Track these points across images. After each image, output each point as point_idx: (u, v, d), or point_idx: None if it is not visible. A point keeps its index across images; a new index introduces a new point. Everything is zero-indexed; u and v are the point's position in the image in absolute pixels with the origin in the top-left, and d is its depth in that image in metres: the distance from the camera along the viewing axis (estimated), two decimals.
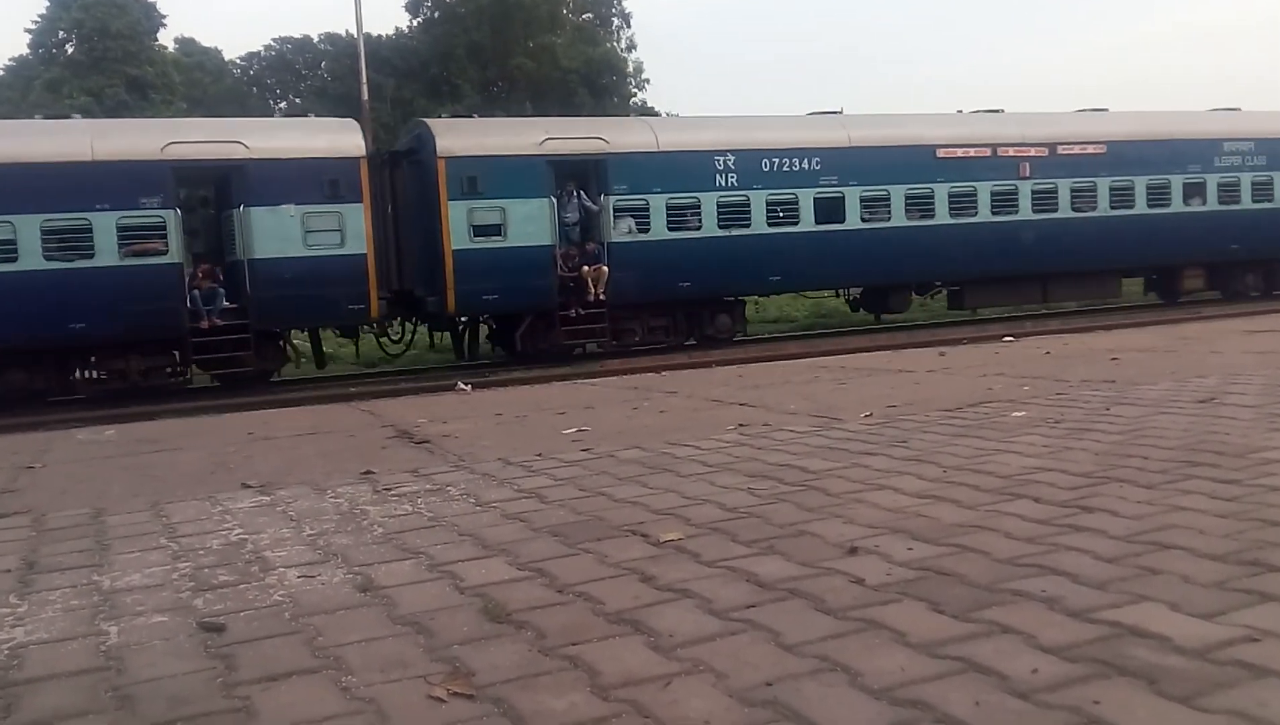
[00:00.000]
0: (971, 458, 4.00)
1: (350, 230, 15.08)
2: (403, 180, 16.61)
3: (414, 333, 17.45)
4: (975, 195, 18.52)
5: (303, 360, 16.82)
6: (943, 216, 18.35)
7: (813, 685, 1.90)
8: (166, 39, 44.65)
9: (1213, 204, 20.23)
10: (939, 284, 19.90)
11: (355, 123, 17.06)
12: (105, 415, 10.63)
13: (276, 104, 48.84)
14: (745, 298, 18.42)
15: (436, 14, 47.46)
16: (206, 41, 50.23)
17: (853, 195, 17.68)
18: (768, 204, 17.21)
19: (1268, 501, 3.02)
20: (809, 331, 21.00)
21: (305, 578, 2.84)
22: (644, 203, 16.51)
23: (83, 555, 3.28)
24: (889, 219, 17.99)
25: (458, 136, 16.27)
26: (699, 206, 16.86)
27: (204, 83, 46.42)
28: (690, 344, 17.31)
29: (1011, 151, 18.81)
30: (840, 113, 19.05)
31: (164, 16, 42.34)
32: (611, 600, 2.47)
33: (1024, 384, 6.36)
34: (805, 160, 17.46)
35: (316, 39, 49.54)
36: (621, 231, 16.46)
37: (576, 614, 2.39)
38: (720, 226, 16.90)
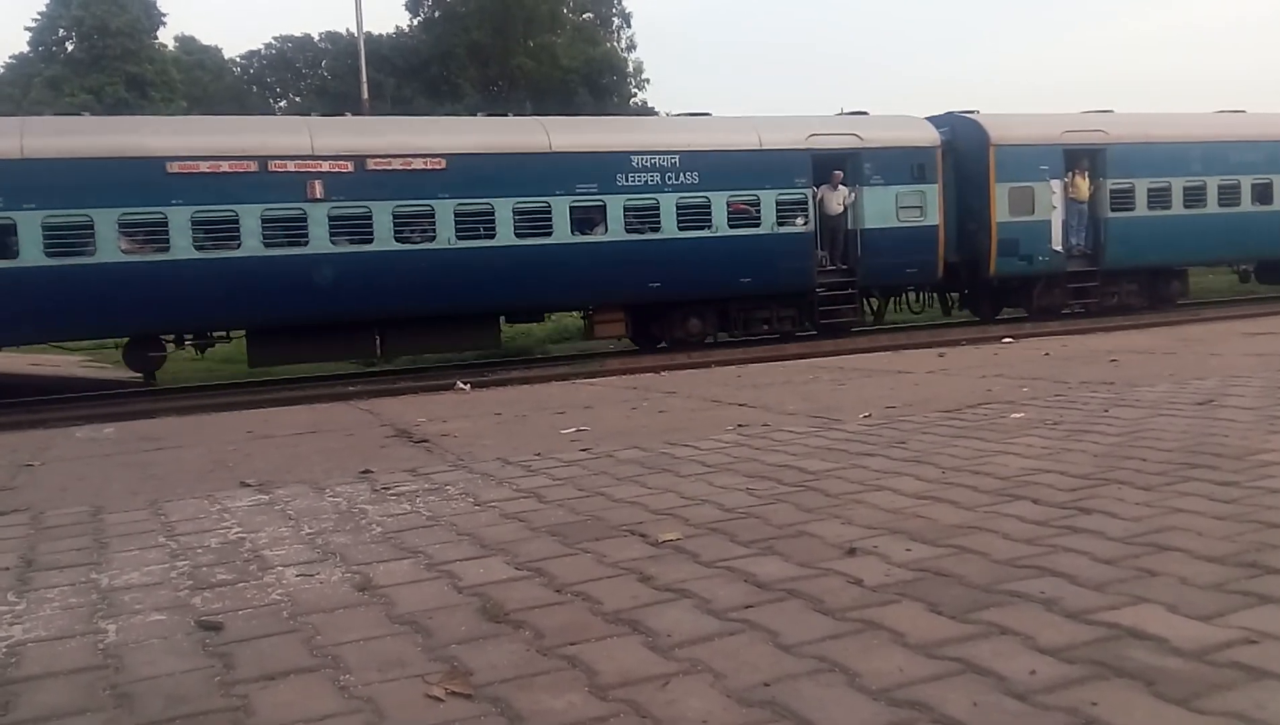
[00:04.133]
0: (970, 459, 4.00)
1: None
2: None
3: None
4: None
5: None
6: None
7: (811, 686, 1.90)
8: (166, 37, 44.78)
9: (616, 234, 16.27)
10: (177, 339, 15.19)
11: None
12: (104, 413, 10.64)
13: (276, 102, 48.85)
14: None
15: (437, 13, 47.51)
16: (206, 40, 50.48)
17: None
18: None
19: (1266, 504, 3.02)
20: None
21: (303, 577, 2.84)
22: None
23: (81, 553, 3.28)
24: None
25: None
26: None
27: (204, 81, 46.46)
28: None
29: (292, 167, 14.51)
30: None
31: (164, 15, 42.48)
32: (610, 600, 2.47)
33: (1023, 385, 6.37)
34: None
35: (317, 38, 49.64)
36: None
37: (575, 614, 2.39)
38: None
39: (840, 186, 17.39)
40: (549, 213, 15.66)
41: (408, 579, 2.76)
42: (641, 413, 6.26)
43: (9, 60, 42.69)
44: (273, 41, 50.39)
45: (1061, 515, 3.04)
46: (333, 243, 14.60)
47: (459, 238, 15.23)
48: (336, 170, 14.65)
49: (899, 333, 18.47)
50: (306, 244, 14.47)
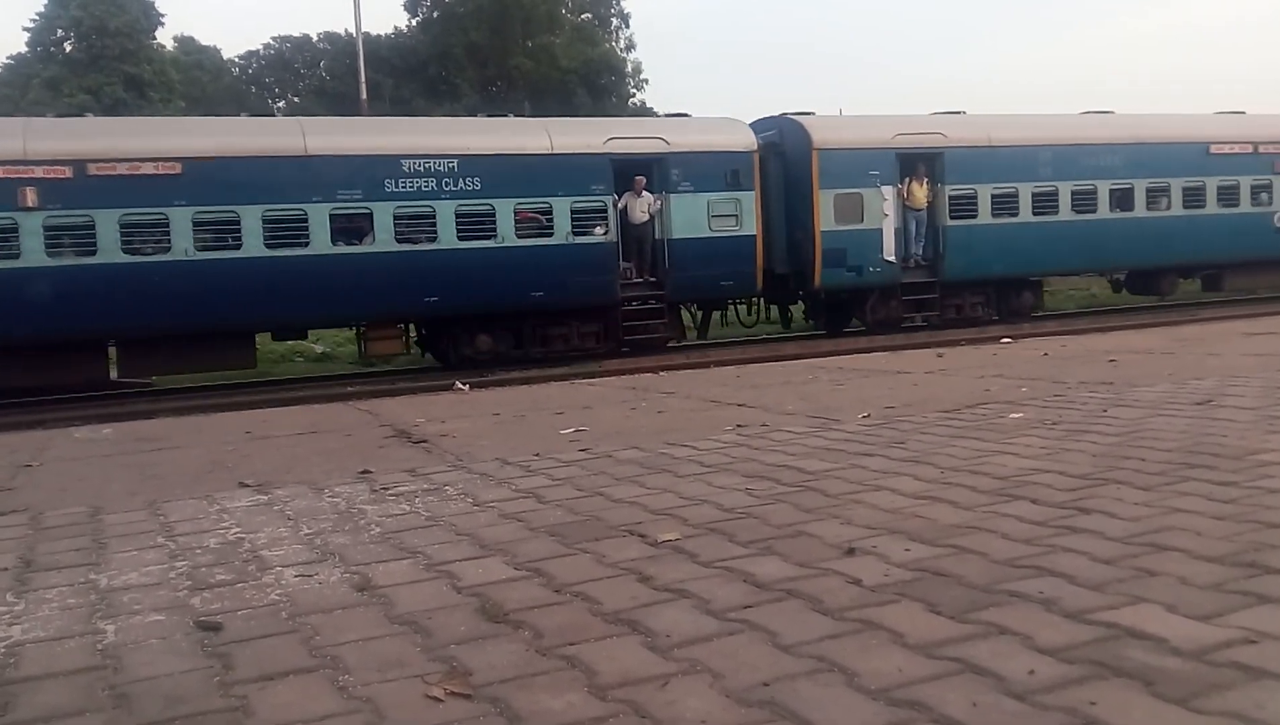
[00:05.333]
0: (969, 459, 4.00)
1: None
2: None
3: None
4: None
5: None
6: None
7: (810, 686, 1.90)
8: (165, 37, 44.72)
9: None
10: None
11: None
12: (103, 413, 10.63)
13: (275, 103, 48.84)
14: None
15: (435, 13, 47.50)
16: (205, 40, 50.43)
17: None
18: None
19: (1265, 503, 3.03)
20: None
21: (302, 577, 2.84)
22: None
23: (80, 554, 3.28)
24: None
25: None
26: None
27: (202, 81, 46.43)
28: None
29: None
30: None
31: (162, 15, 42.39)
32: (609, 600, 2.47)
33: (1022, 385, 6.37)
34: None
35: (315, 38, 49.61)
36: None
37: (574, 614, 2.39)
38: None
39: (644, 193, 16.19)
40: (305, 221, 14.41)
41: (407, 579, 2.76)
42: (640, 413, 6.26)
43: (7, 60, 42.66)
44: (271, 42, 50.37)
45: (1060, 515, 3.04)
46: (49, 255, 13.43)
47: (199, 249, 14.06)
48: (52, 176, 13.48)
49: (897, 334, 18.46)
50: (18, 257, 13.30)
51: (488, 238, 15.34)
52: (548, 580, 2.68)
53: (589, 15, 51.56)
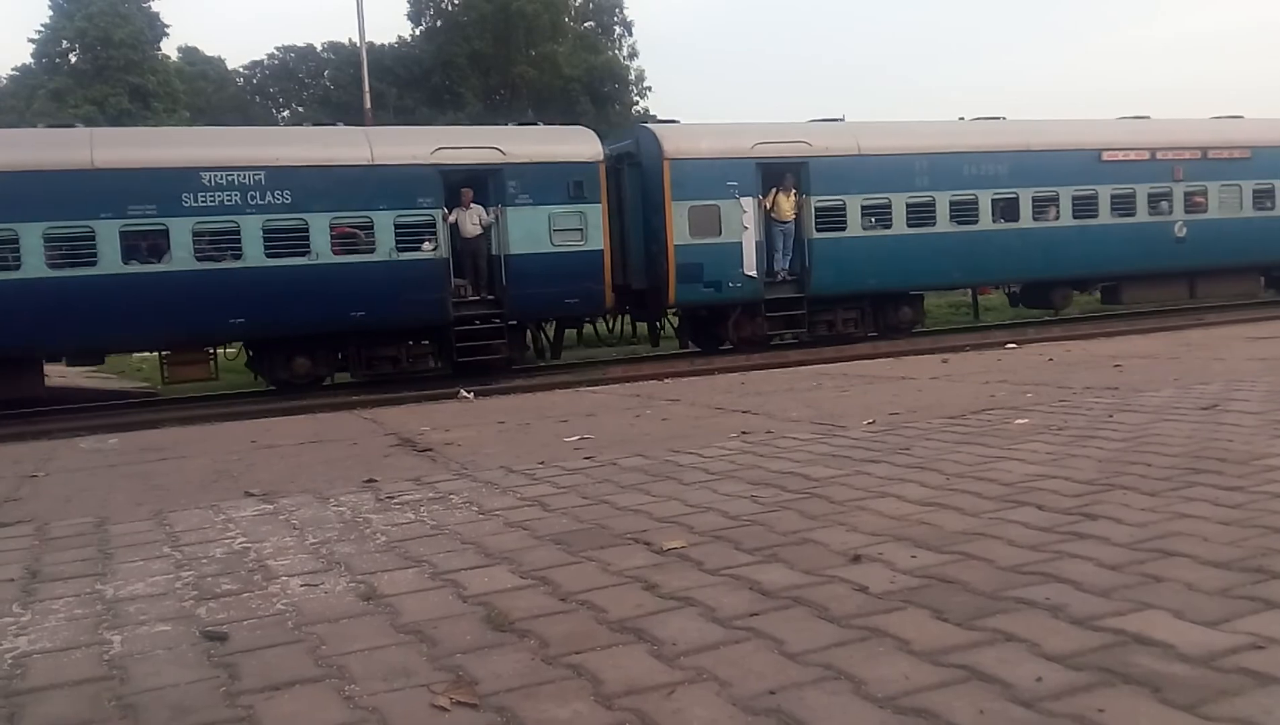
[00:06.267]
0: (974, 465, 3.99)
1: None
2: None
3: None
4: None
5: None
6: None
7: (816, 694, 1.90)
8: (169, 48, 44.90)
9: None
10: None
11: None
12: (108, 423, 10.65)
13: (279, 112, 49.00)
14: None
15: (439, 22, 47.65)
16: (209, 51, 50.42)
17: None
18: None
19: (1271, 508, 3.02)
20: None
21: (308, 586, 2.84)
22: None
23: (86, 564, 3.28)
24: None
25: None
26: None
27: (207, 91, 46.59)
28: None
29: None
30: None
31: (167, 26, 42.56)
32: (614, 608, 2.47)
33: (1027, 391, 6.36)
34: None
35: (319, 48, 49.77)
36: None
37: (579, 622, 2.39)
38: None
39: (474, 206, 15.32)
40: (93, 238, 13.46)
41: (412, 588, 2.76)
42: (645, 420, 6.26)
43: (12, 72, 42.88)
44: (275, 52, 50.54)
45: (1066, 521, 3.03)
46: None
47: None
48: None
49: (901, 340, 18.44)
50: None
51: (300, 255, 14.33)
52: (553, 589, 2.67)
53: (592, 23, 51.70)
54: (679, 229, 16.32)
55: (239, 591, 2.84)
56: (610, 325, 18.01)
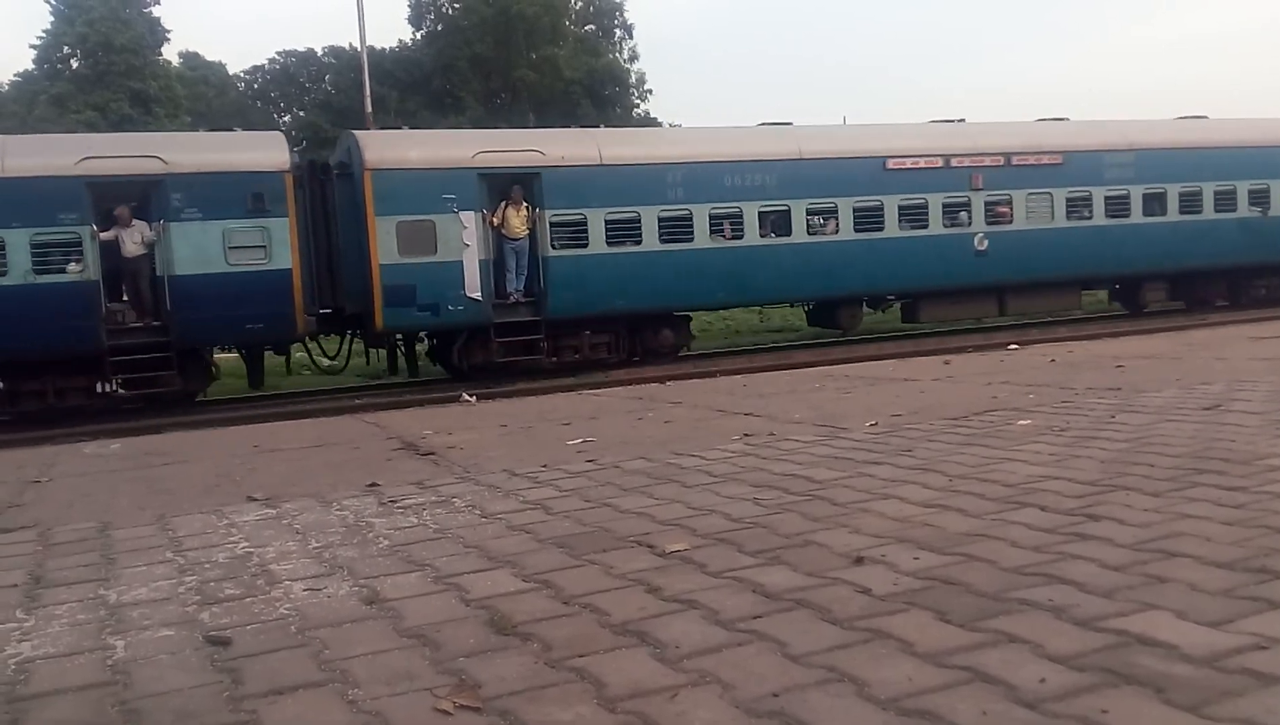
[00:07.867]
0: (977, 466, 3.99)
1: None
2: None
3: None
4: None
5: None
6: None
7: (819, 696, 1.90)
8: (170, 53, 45.03)
9: None
10: None
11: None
12: (111, 428, 10.67)
13: (280, 117, 49.08)
14: None
15: (439, 26, 47.74)
16: (210, 55, 50.62)
17: None
18: None
19: (1274, 509, 3.01)
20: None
21: (311, 591, 2.85)
22: None
23: (89, 569, 3.28)
24: None
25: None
26: None
27: (208, 96, 46.68)
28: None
29: None
30: None
31: (168, 31, 42.73)
32: (618, 611, 2.47)
33: (1029, 392, 6.36)
34: None
35: (320, 52, 49.89)
36: None
37: (583, 625, 2.39)
38: None
39: (136, 223, 13.83)
40: None
41: (415, 592, 2.76)
42: (647, 423, 6.26)
43: (14, 77, 42.99)
44: (276, 56, 50.67)
45: (1069, 522, 3.03)
46: None
47: None
48: None
49: (905, 341, 18.43)
50: None
51: None
52: (556, 592, 2.67)
53: (592, 26, 51.78)
54: (385, 247, 14.81)
55: (242, 596, 2.84)
56: (326, 352, 16.52)
